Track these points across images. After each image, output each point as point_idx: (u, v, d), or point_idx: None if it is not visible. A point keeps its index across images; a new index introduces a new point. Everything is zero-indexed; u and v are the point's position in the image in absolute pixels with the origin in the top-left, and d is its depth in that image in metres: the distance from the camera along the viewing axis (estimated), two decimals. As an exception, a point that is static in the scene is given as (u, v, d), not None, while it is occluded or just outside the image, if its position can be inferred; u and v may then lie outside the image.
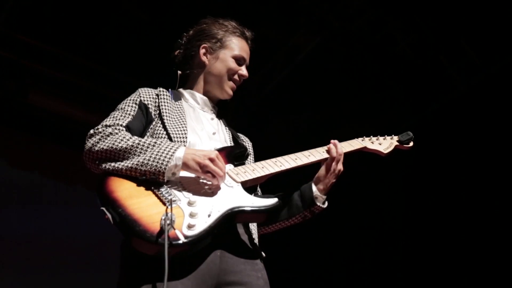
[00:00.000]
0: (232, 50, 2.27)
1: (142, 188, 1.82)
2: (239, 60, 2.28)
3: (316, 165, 2.19)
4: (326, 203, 2.15)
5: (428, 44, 4.93)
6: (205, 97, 2.27)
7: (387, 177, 5.93)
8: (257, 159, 2.23)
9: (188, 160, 1.85)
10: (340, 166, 2.14)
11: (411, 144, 2.49)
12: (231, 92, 2.31)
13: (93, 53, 4.91)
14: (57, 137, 5.21)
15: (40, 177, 5.21)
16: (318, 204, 2.10)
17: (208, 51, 2.26)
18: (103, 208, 1.74)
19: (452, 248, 5.40)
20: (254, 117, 5.84)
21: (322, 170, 2.14)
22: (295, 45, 5.05)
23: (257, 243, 2.05)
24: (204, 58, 2.26)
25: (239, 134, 2.42)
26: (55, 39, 4.85)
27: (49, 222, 4.93)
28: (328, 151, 2.17)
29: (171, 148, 1.85)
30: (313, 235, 6.59)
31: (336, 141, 2.19)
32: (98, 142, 1.89)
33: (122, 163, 1.84)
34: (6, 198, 4.89)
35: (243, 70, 2.30)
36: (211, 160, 1.86)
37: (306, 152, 2.17)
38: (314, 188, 2.12)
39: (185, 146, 1.96)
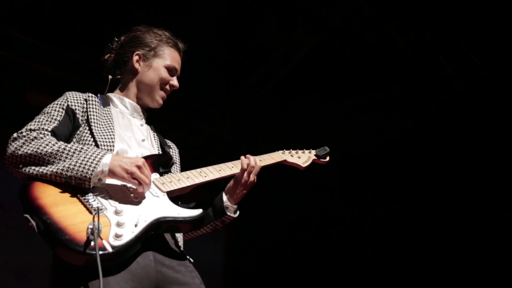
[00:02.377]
0: (165, 60, 2.25)
1: (67, 195, 1.78)
2: (171, 71, 2.26)
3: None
4: (238, 212, 2.17)
5: (427, 43, 4.93)
6: (134, 103, 2.25)
7: (386, 177, 5.94)
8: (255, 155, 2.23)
9: (115, 166, 1.83)
10: (251, 178, 2.14)
11: (328, 158, 2.56)
12: (161, 102, 2.28)
13: (91, 51, 4.89)
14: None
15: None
16: (229, 214, 2.14)
17: (142, 58, 2.24)
18: (27, 216, 1.68)
19: (452, 247, 5.40)
20: (253, 116, 5.84)
21: (233, 181, 2.15)
22: (294, 44, 5.04)
23: (182, 247, 2.06)
24: (137, 65, 2.24)
25: (166, 140, 2.40)
26: (53, 38, 4.84)
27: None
28: (241, 164, 2.17)
29: (97, 154, 1.83)
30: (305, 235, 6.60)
31: (248, 155, 2.19)
32: (21, 146, 1.85)
33: (46, 168, 1.80)
34: (5, 198, 4.87)
35: (174, 81, 2.27)
36: (138, 167, 1.85)
37: (229, 164, 2.20)
38: (224, 198, 2.14)
39: (111, 153, 1.93)
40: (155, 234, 1.85)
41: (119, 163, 1.84)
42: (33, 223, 1.66)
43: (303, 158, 2.48)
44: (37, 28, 4.72)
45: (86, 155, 1.82)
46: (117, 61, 2.30)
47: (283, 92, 5.51)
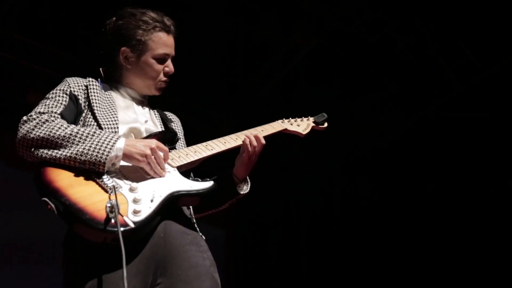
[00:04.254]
0: (153, 50, 2.16)
1: (82, 177, 1.79)
2: (162, 58, 2.18)
3: None
4: (249, 185, 2.21)
5: (427, 45, 4.94)
6: (131, 90, 2.22)
7: (386, 179, 5.94)
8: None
9: (129, 151, 1.84)
10: (254, 150, 2.16)
11: (326, 125, 2.61)
12: (159, 92, 2.25)
13: (91, 53, 4.90)
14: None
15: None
16: (242, 192, 2.18)
17: (128, 55, 2.17)
18: (45, 199, 1.71)
19: (452, 248, 5.40)
20: (253, 117, 5.83)
21: (239, 159, 2.18)
22: (294, 45, 5.05)
23: (195, 226, 2.06)
24: (125, 62, 2.17)
25: (166, 113, 2.39)
26: (53, 39, 4.84)
27: (52, 223, 4.86)
28: (244, 145, 2.18)
29: (111, 139, 1.83)
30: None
31: (249, 134, 2.21)
32: (33, 129, 1.83)
33: (59, 152, 1.80)
34: (5, 199, 4.86)
35: (169, 66, 2.21)
36: (152, 149, 1.87)
37: (233, 136, 2.25)
38: (235, 179, 2.18)
39: (125, 137, 1.95)
40: (168, 210, 1.86)
41: (133, 147, 1.86)
42: (52, 205, 1.69)
43: (302, 125, 2.53)
44: (37, 29, 4.72)
45: (100, 139, 1.83)
46: (107, 56, 2.24)
47: (283, 93, 5.52)
